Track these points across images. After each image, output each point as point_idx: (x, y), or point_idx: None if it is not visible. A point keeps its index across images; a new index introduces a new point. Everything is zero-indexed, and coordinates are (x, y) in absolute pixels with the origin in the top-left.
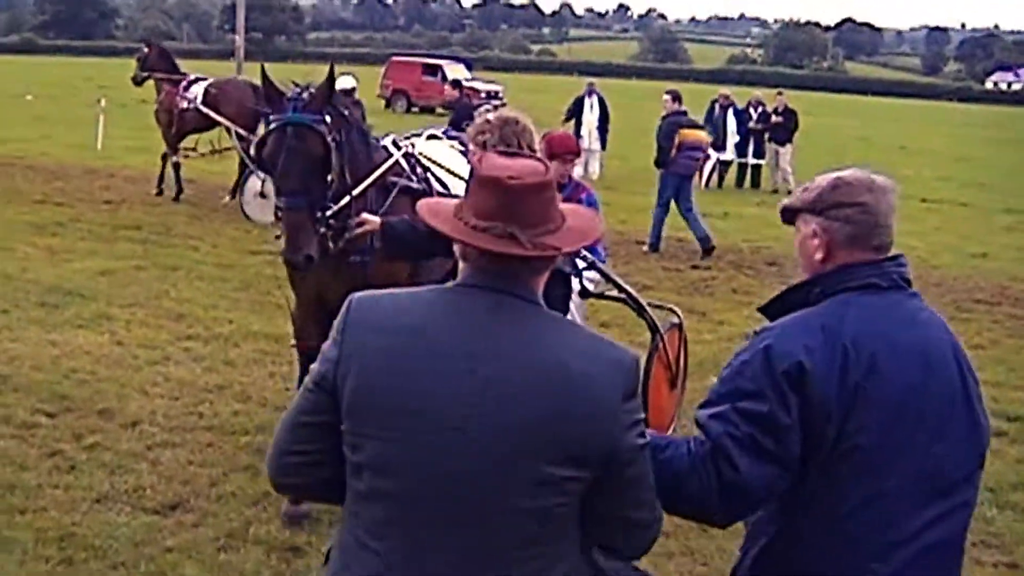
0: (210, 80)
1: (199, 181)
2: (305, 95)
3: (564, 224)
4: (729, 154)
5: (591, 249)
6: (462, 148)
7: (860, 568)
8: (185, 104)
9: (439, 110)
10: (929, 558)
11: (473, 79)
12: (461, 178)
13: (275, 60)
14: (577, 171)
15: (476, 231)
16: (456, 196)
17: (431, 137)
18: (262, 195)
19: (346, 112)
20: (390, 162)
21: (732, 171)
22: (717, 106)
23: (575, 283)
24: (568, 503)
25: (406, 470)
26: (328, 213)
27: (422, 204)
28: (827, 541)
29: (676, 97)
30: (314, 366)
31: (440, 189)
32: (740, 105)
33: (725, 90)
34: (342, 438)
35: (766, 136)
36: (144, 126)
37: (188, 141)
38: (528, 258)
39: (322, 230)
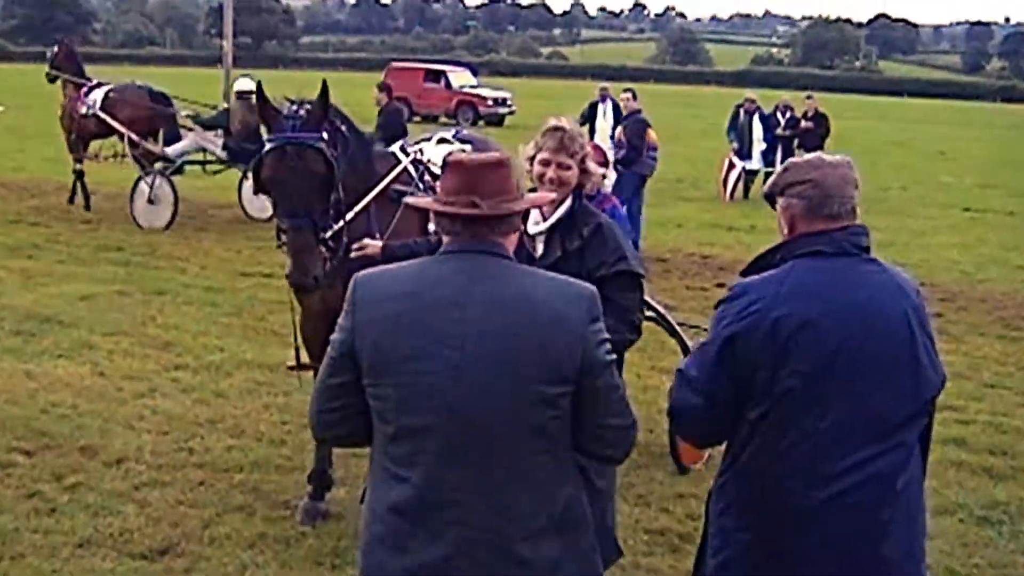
0: (110, 85)
1: (188, 199)
2: (302, 112)
3: (522, 197)
4: (755, 163)
5: None
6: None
7: (798, 493)
8: (84, 110)
9: (443, 119)
10: (865, 488)
11: (479, 85)
12: None
13: (265, 66)
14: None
15: (446, 204)
16: None
17: (441, 141)
18: (150, 201)
19: (343, 126)
20: (394, 173)
21: (758, 181)
22: (742, 111)
23: None
24: (560, 416)
25: (421, 409)
26: (328, 234)
27: (407, 199)
28: (769, 471)
29: (635, 95)
30: (334, 336)
31: None
32: (767, 110)
33: (750, 94)
34: (366, 393)
35: (795, 143)
36: None
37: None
38: (490, 220)
39: (323, 250)
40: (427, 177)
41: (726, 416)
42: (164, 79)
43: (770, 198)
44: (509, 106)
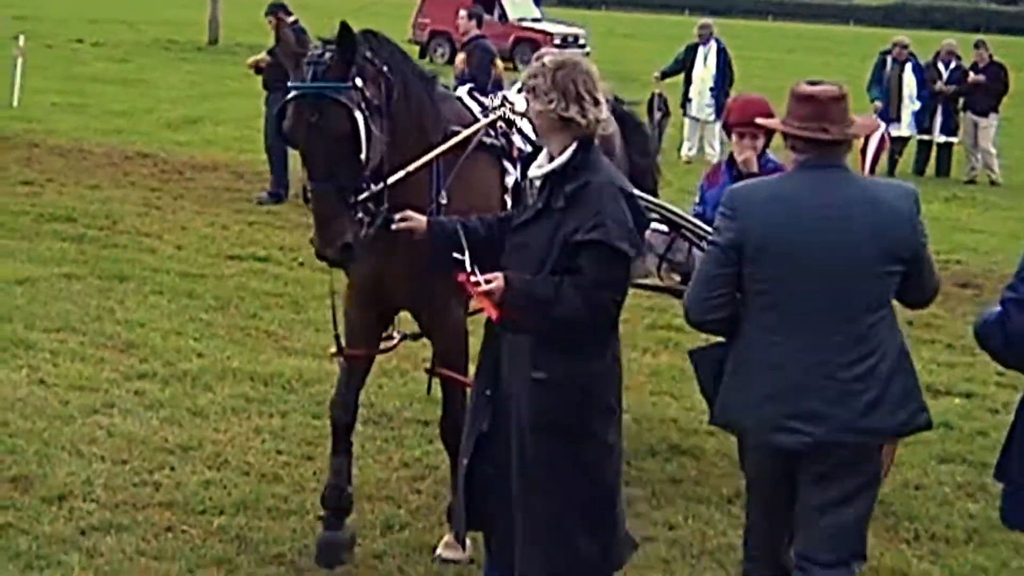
0: None
1: (157, 155)
2: (327, 56)
3: (854, 123)
4: (905, 128)
5: None
6: None
7: None
8: None
9: (496, 61)
10: None
11: (543, 18)
12: None
13: None
14: (687, 153)
15: (799, 129)
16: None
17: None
18: None
19: (385, 66)
20: (478, 125)
21: (909, 152)
22: (889, 60)
23: None
24: (893, 287)
25: (803, 286)
26: (361, 196)
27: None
28: None
29: (475, 16)
30: (716, 238)
31: (525, 148)
32: (923, 59)
33: (901, 37)
34: (743, 279)
35: (960, 103)
36: (79, 75)
37: None
38: (835, 143)
39: (359, 215)
40: (501, 124)
41: None
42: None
43: None
44: (582, 46)
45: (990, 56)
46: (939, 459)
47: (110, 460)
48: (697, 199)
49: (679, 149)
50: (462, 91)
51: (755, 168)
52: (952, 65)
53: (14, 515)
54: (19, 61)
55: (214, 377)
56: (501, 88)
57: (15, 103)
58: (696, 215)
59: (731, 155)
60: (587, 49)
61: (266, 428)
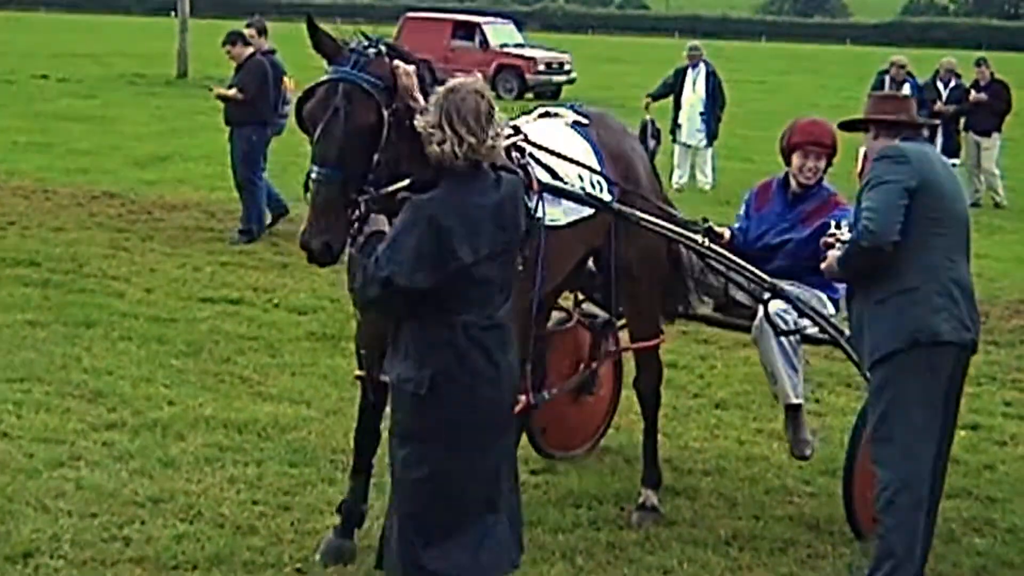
0: None
1: (125, 195)
2: (372, 51)
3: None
4: None
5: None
6: (586, 121)
7: None
8: None
9: None
10: None
11: (526, 44)
12: (573, 161)
13: (232, 16)
14: (678, 181)
15: (881, 117)
16: (562, 183)
17: (545, 115)
18: None
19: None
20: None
21: None
22: (887, 80)
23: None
24: None
25: (953, 218)
26: (365, 197)
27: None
28: None
29: (263, 31)
30: (899, 177)
31: (545, 178)
32: (922, 77)
33: (899, 56)
34: (916, 211)
35: (961, 123)
36: (42, 112)
37: None
38: (920, 125)
39: (354, 216)
40: (515, 154)
41: None
42: (91, 29)
43: None
44: (567, 72)
45: (992, 74)
46: (945, 494)
47: (77, 515)
48: (742, 211)
49: (670, 177)
50: None
51: (820, 183)
52: (952, 84)
53: None
54: None
55: (186, 426)
56: (288, 104)
57: None
58: (740, 230)
59: (786, 175)
60: (572, 75)
61: (241, 478)
